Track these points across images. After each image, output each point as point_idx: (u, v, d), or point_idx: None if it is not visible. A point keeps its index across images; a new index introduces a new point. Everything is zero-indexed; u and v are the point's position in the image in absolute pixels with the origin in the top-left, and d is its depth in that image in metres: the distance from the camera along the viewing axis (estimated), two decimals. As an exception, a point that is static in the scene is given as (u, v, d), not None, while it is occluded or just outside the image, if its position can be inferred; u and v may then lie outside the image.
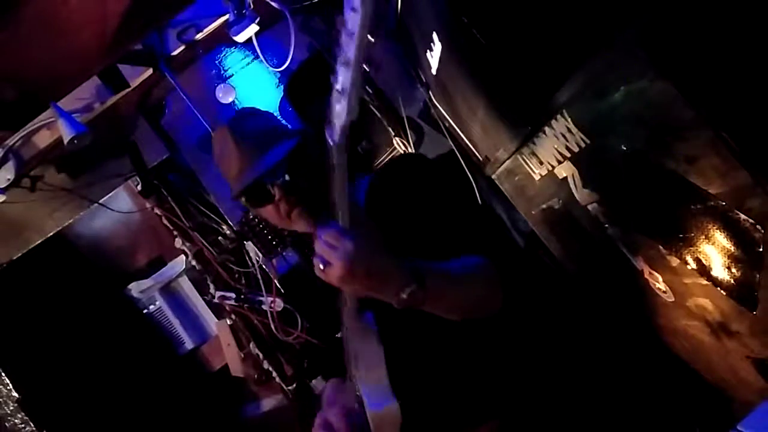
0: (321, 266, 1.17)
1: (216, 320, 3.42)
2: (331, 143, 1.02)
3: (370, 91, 2.96)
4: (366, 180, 1.65)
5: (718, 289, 1.50)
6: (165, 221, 3.23)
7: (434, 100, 2.70)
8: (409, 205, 1.51)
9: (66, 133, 2.40)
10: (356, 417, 1.47)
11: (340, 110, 0.97)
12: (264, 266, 3.09)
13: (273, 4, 2.61)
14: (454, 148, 2.70)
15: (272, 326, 3.16)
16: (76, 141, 2.42)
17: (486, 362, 1.48)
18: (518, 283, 1.44)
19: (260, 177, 1.47)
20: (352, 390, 1.54)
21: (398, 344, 1.40)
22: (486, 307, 1.40)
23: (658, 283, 1.76)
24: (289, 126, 1.69)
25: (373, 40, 0.91)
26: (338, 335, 1.50)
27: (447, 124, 2.71)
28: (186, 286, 3.49)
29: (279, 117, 1.68)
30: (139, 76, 2.73)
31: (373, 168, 3.07)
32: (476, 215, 1.61)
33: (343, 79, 0.93)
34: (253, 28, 2.57)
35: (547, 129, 1.80)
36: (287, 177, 1.47)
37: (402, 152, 3.01)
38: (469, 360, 1.48)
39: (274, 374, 3.30)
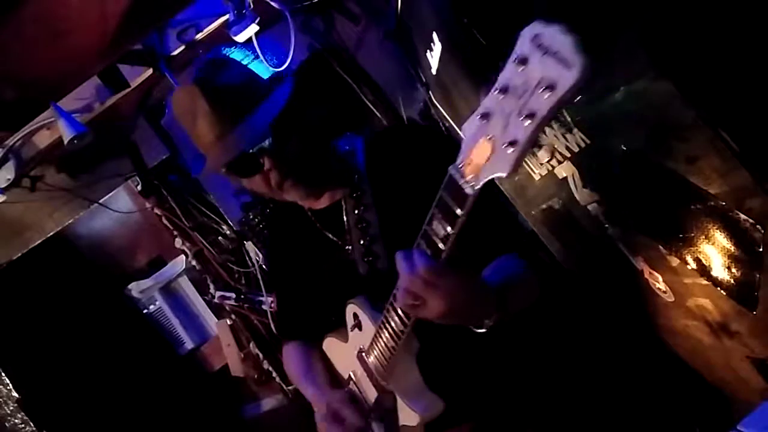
0: (413, 302, 1.06)
1: (216, 320, 3.42)
2: (469, 192, 0.87)
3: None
4: (360, 140, 1.52)
5: (718, 289, 1.50)
6: (165, 221, 3.23)
7: (434, 100, 2.70)
8: (416, 175, 1.36)
9: (66, 133, 2.40)
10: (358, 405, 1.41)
11: (497, 161, 0.80)
12: (264, 266, 3.08)
13: (273, 4, 2.61)
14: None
15: (272, 326, 3.16)
16: (76, 141, 2.42)
17: (490, 359, 1.44)
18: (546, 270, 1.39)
19: (251, 146, 1.28)
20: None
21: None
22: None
23: (658, 283, 1.76)
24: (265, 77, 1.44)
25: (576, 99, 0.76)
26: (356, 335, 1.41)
27: (447, 124, 2.71)
28: (186, 286, 3.49)
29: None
30: (139, 76, 2.73)
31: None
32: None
33: (517, 131, 0.77)
34: (253, 28, 2.57)
35: (547, 129, 1.80)
36: (274, 142, 1.29)
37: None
38: (474, 356, 1.43)
39: (274, 374, 3.30)
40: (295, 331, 1.71)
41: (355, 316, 1.40)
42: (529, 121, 0.75)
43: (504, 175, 0.80)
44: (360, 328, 1.39)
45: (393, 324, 1.20)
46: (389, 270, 1.33)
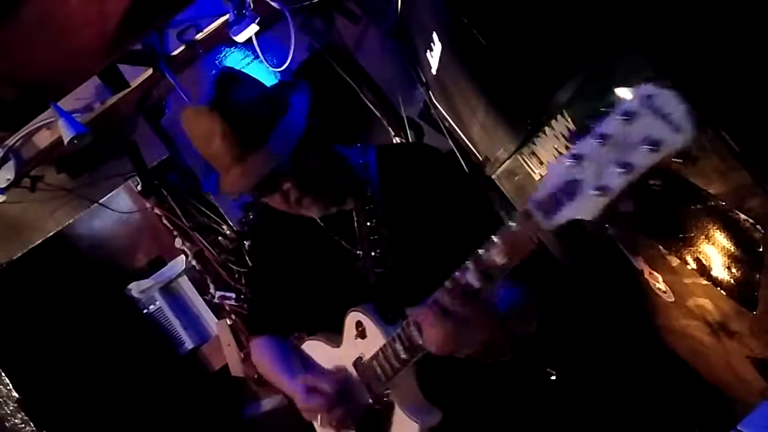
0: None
1: (216, 320, 3.42)
2: (545, 226, 0.92)
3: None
4: (373, 153, 1.52)
5: (718, 289, 1.50)
6: (165, 221, 3.23)
7: (434, 100, 2.70)
8: (428, 195, 1.43)
9: (66, 133, 2.40)
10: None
11: (582, 204, 0.85)
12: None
13: (273, 4, 2.61)
14: (454, 148, 2.70)
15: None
16: (76, 141, 2.42)
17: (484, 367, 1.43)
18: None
19: (274, 166, 1.26)
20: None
21: None
22: None
23: (658, 283, 1.76)
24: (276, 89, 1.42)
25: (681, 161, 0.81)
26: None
27: (447, 124, 2.71)
28: (186, 286, 3.48)
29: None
30: (139, 76, 2.73)
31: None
32: (486, 214, 1.49)
33: (610, 179, 0.81)
34: (253, 28, 2.57)
35: (547, 129, 1.80)
36: (293, 158, 1.27)
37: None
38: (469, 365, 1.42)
39: (274, 374, 3.29)
40: (268, 327, 1.70)
41: (359, 324, 1.41)
42: (625, 173, 0.79)
43: (589, 218, 0.85)
44: (363, 337, 1.40)
45: (412, 339, 1.24)
46: (399, 283, 1.41)
